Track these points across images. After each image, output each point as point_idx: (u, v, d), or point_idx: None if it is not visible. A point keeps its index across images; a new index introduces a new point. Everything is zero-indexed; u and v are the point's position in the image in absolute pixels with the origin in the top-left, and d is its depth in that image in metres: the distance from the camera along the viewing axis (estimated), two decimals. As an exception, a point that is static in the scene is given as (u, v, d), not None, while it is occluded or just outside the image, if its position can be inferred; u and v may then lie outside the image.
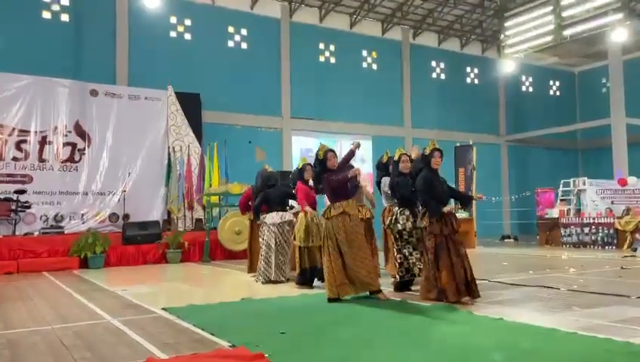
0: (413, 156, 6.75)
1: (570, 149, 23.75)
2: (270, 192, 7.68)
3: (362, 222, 7.63)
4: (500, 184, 21.58)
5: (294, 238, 7.12)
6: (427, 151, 5.81)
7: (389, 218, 6.42)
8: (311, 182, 6.84)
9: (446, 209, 5.59)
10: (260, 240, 7.72)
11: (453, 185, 14.44)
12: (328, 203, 6.02)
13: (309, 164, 7.04)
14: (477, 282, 5.59)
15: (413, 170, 6.08)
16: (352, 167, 6.09)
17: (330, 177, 5.85)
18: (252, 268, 8.51)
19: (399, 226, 6.19)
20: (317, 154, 6.01)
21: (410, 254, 6.19)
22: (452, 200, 6.41)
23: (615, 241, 12.77)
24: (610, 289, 6.10)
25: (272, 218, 7.56)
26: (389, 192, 6.77)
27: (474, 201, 6.35)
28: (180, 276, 9.41)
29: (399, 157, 6.44)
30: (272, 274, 7.48)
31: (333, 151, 6.03)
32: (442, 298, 5.41)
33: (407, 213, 6.19)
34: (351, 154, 6.05)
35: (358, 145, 6.07)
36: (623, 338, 3.72)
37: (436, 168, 5.80)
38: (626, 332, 3.96)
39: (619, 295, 5.74)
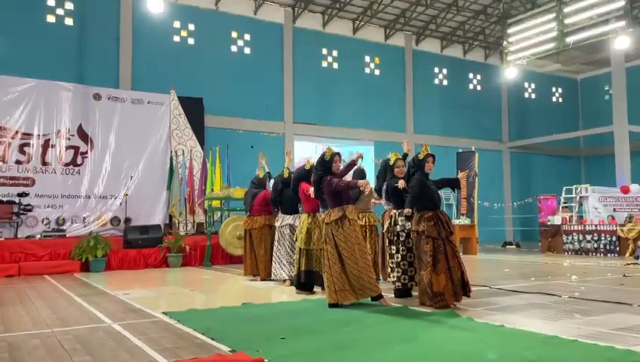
0: (405, 149, 6.90)
1: (572, 156, 23.75)
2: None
3: (368, 228, 7.70)
4: (502, 190, 21.56)
5: (296, 239, 7.15)
6: (421, 156, 5.86)
7: (388, 221, 6.43)
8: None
9: (406, 211, 5.86)
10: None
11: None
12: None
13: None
14: (478, 288, 5.59)
15: (406, 174, 6.20)
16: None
17: (333, 180, 5.84)
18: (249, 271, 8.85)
19: (398, 228, 6.19)
20: (323, 156, 6.01)
21: (412, 258, 6.17)
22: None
23: (617, 249, 12.73)
24: (612, 297, 6.08)
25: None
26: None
27: (462, 182, 6.48)
28: (181, 280, 9.41)
29: (394, 162, 6.47)
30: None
31: (339, 155, 6.05)
32: (435, 303, 5.40)
33: (405, 211, 6.17)
34: (352, 164, 6.07)
35: (360, 157, 6.10)
36: (625, 346, 3.71)
37: (429, 173, 5.89)
38: (628, 340, 3.95)
39: (621, 303, 5.72)
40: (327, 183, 5.85)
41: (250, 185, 9.27)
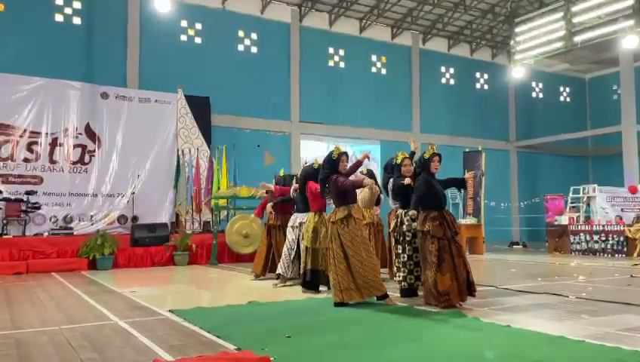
0: (412, 148, 6.87)
1: (580, 156, 23.61)
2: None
3: (373, 226, 7.71)
4: (509, 190, 21.47)
5: (302, 238, 7.14)
6: (427, 156, 5.85)
7: (394, 221, 6.41)
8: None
9: (411, 213, 5.75)
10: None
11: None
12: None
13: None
14: (485, 288, 5.58)
15: (413, 173, 6.20)
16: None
17: (339, 178, 5.86)
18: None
19: (404, 228, 6.18)
20: (330, 155, 6.02)
21: (418, 258, 6.16)
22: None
23: (625, 249, 12.65)
24: (620, 298, 6.05)
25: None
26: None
27: (468, 182, 6.44)
28: (187, 278, 9.44)
29: (401, 161, 6.45)
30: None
31: (346, 154, 6.07)
32: (440, 302, 5.39)
33: (411, 213, 6.17)
34: (358, 164, 6.08)
35: (367, 157, 6.10)
36: (632, 347, 3.70)
37: (434, 172, 5.87)
38: (635, 341, 3.93)
39: (628, 303, 5.69)
40: (334, 182, 5.87)
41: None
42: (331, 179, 5.90)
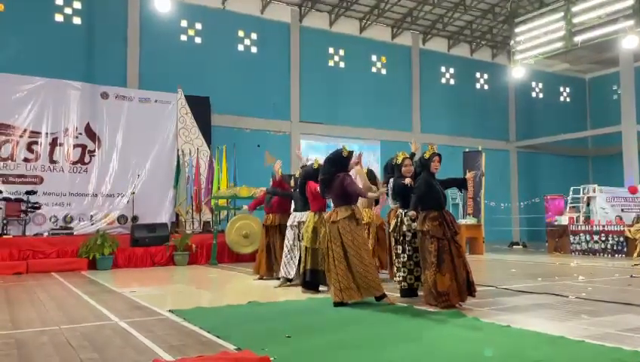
0: (412, 149, 6.89)
1: (580, 156, 23.62)
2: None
3: (372, 226, 7.76)
4: (509, 190, 21.48)
5: (301, 237, 7.14)
6: (427, 156, 5.84)
7: (394, 220, 6.41)
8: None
9: (411, 213, 5.69)
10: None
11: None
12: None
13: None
14: (485, 288, 5.58)
15: (414, 174, 6.20)
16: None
17: (346, 178, 5.85)
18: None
19: (404, 228, 6.18)
20: (339, 153, 6.00)
21: (418, 258, 6.16)
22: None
23: (625, 249, 12.64)
24: (620, 298, 6.04)
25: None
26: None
27: (469, 182, 6.45)
28: (187, 278, 9.44)
29: (402, 161, 6.45)
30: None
31: (353, 153, 6.11)
32: (440, 303, 5.39)
33: (411, 213, 6.17)
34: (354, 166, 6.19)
35: (360, 154, 6.17)
36: (632, 348, 3.69)
37: (434, 172, 5.86)
38: (635, 341, 3.92)
39: (628, 303, 5.68)
40: (341, 180, 5.83)
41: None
42: (338, 177, 5.87)
